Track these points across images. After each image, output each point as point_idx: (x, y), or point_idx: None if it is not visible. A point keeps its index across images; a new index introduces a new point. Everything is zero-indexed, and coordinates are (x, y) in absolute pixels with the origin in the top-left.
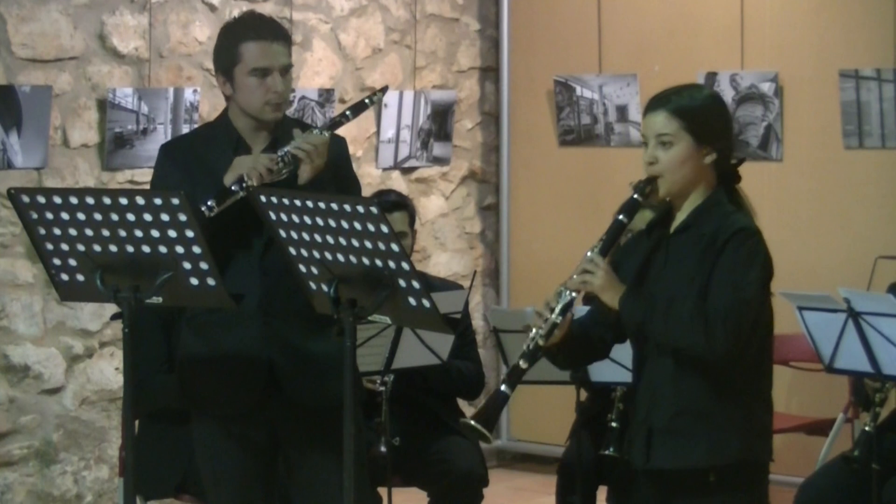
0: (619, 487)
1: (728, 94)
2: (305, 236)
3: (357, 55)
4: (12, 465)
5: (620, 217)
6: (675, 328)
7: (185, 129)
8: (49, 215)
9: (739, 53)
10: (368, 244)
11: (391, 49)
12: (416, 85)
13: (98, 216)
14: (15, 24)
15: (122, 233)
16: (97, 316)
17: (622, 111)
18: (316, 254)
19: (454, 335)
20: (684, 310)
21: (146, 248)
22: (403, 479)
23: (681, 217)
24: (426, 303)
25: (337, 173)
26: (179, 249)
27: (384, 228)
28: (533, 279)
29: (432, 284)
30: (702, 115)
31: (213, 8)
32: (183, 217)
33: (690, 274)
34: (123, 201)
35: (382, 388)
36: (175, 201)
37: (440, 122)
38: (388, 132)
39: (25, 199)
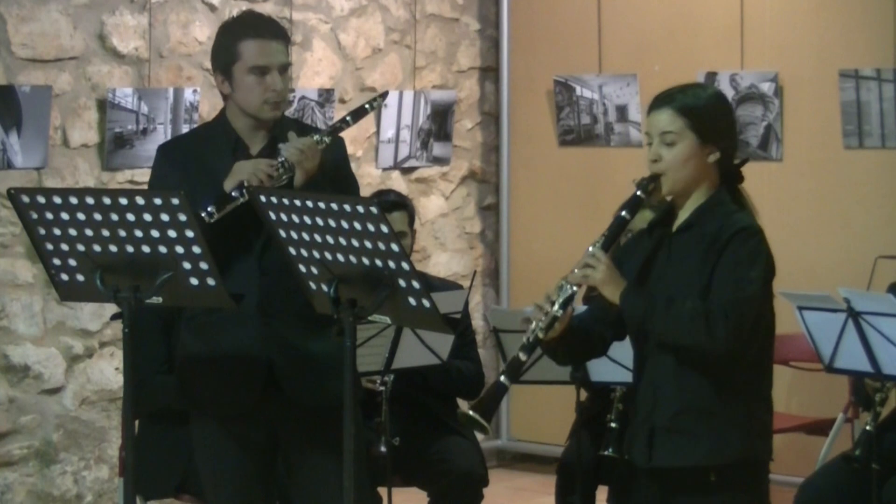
0: (619, 487)
1: (728, 94)
2: (305, 236)
3: (357, 55)
4: (12, 465)
5: (623, 213)
6: (676, 324)
7: (185, 130)
8: (49, 215)
9: (739, 53)
10: (368, 244)
11: (391, 49)
12: (416, 85)
13: (98, 216)
14: (15, 24)
15: (122, 233)
16: (97, 316)
17: (622, 111)
18: (316, 254)
19: (454, 335)
20: (685, 306)
21: (146, 248)
22: (403, 479)
23: (683, 216)
24: (426, 303)
25: (336, 174)
26: (179, 249)
27: (384, 228)
28: (533, 279)
29: (432, 284)
30: (706, 113)
31: (213, 8)
32: (183, 217)
33: (693, 272)
34: (123, 201)
35: (382, 388)
36: (175, 201)
37: (440, 122)
38: (388, 132)
39: (25, 199)
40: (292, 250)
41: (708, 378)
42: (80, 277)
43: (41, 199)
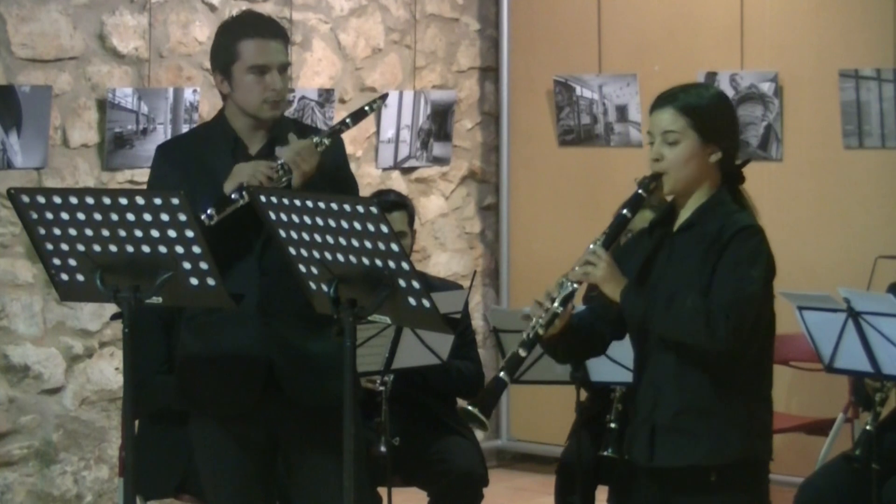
0: (619, 487)
1: (728, 94)
2: (305, 236)
3: (357, 55)
4: (12, 465)
5: (624, 211)
6: (676, 322)
7: (185, 130)
8: (49, 215)
9: (739, 53)
10: (368, 244)
11: (391, 49)
12: (416, 85)
13: (98, 216)
14: (15, 24)
15: (122, 233)
16: (97, 316)
17: (622, 111)
18: (316, 254)
19: (454, 335)
20: (686, 304)
21: (146, 248)
22: (403, 479)
23: (684, 215)
24: (426, 303)
25: (335, 175)
26: (179, 249)
27: (384, 228)
28: (533, 279)
29: (432, 284)
30: (709, 113)
31: (213, 8)
32: (183, 217)
33: (693, 272)
34: (123, 201)
35: (382, 388)
36: (175, 201)
37: (440, 122)
38: (388, 132)
39: (25, 199)
40: (292, 250)
41: (708, 378)
42: (80, 277)
43: (41, 199)
